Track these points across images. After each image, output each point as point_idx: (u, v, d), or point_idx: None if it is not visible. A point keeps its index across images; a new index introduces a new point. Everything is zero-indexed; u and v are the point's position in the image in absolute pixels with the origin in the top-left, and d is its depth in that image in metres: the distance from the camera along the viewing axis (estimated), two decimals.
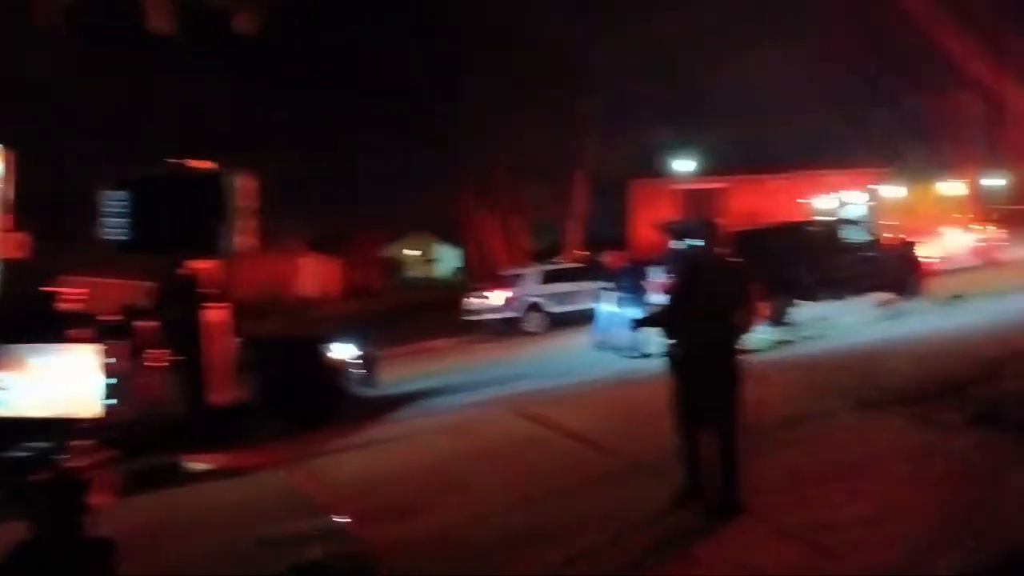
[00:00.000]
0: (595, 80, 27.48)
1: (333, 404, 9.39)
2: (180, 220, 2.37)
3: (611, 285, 12.53)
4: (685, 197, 31.88)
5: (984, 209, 24.73)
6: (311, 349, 9.73)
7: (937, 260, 17.12)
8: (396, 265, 52.44)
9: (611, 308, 12.29)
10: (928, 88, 29.37)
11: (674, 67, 28.46)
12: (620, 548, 4.47)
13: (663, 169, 31.33)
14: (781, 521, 4.48)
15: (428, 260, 58.21)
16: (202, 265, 2.41)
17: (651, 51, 26.99)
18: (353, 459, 7.35)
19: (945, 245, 18.99)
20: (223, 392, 2.46)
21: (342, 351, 9.65)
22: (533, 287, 18.60)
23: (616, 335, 11.88)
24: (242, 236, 2.44)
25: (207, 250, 2.41)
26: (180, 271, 2.37)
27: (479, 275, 28.56)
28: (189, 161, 2.44)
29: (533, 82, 27.05)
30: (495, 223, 30.51)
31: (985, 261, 19.71)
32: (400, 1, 26.31)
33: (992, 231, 20.45)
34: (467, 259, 38.12)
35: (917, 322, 10.90)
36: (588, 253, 26.50)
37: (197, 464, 7.71)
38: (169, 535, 5.72)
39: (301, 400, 9.00)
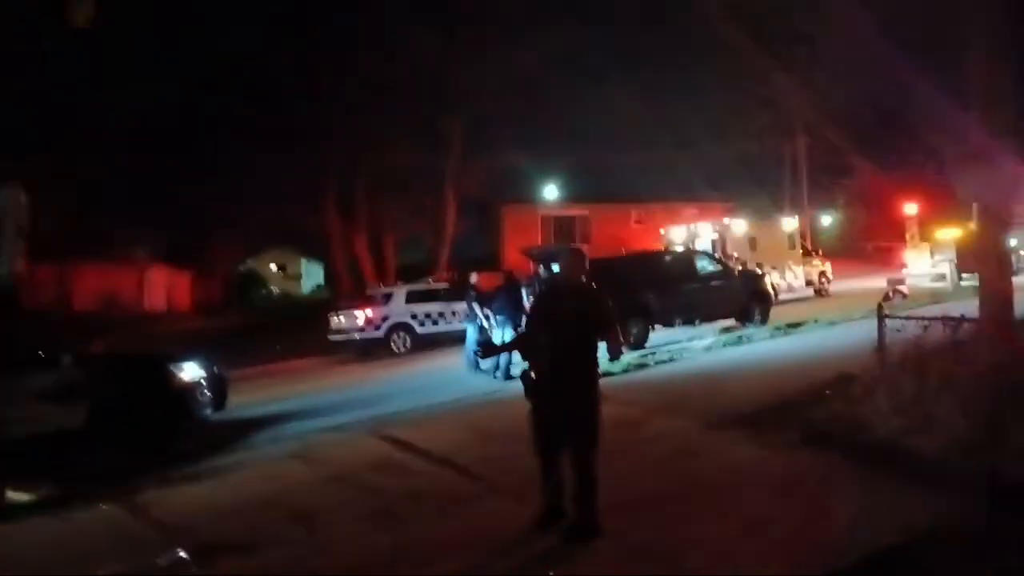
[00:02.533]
0: (460, 100, 27.76)
1: (175, 429, 8.70)
2: None
3: (478, 307, 12.54)
4: (552, 223, 32.75)
5: (816, 244, 27.09)
6: (152, 369, 8.98)
7: (777, 290, 18.50)
8: (255, 280, 50.10)
9: (482, 329, 12.32)
10: (765, 132, 31.98)
11: (541, 96, 29.36)
12: (480, 573, 4.39)
13: (532, 194, 32.06)
14: (635, 541, 4.58)
15: (291, 276, 56.11)
16: None
17: (518, 80, 27.68)
18: (193, 489, 6.82)
19: (784, 277, 20.57)
20: None
21: (188, 371, 8.98)
22: (400, 307, 18.33)
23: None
24: (15, 258, 2.07)
25: None
26: None
27: (345, 293, 27.86)
28: None
29: (397, 97, 26.95)
30: (361, 240, 29.91)
31: (817, 292, 21.55)
32: (260, 7, 25.53)
33: (823, 265, 22.39)
34: (332, 276, 37.10)
35: (760, 347, 11.67)
36: (456, 274, 26.53)
37: (17, 496, 6.97)
38: None
39: (139, 424, 8.26)
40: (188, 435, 8.81)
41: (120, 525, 5.93)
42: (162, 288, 34.35)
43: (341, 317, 18.62)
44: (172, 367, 8.91)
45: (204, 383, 9.18)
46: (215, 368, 9.75)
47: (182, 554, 5.00)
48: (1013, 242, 13.78)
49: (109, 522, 6.03)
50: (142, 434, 8.25)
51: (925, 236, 20.69)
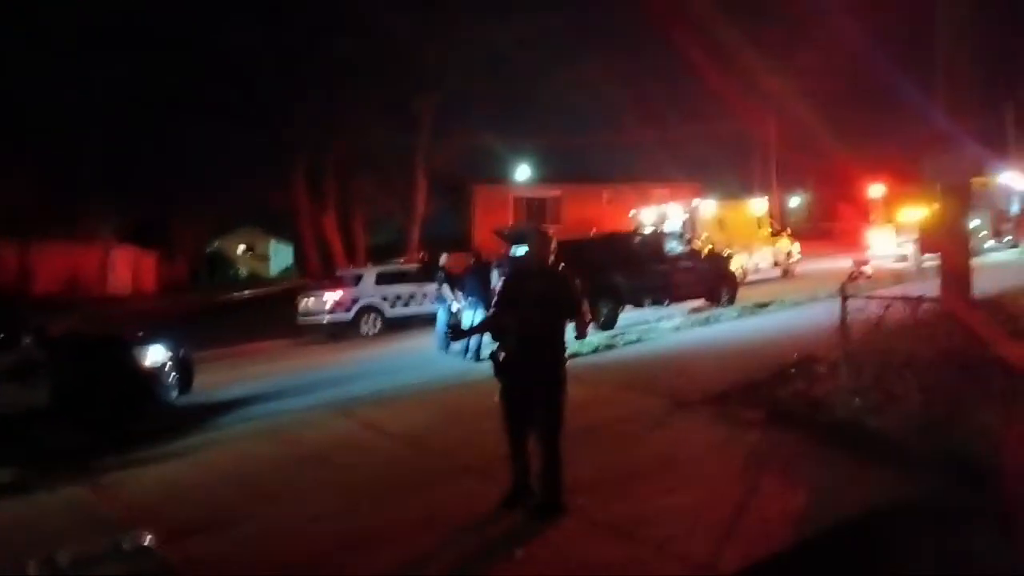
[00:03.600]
0: (432, 79, 27.51)
1: (140, 411, 8.59)
2: None
3: (449, 288, 12.52)
4: (523, 203, 32.73)
5: (783, 225, 27.40)
6: (115, 350, 8.84)
7: (744, 271, 18.71)
8: (222, 260, 49.41)
9: (453, 311, 12.31)
10: (734, 113, 32.17)
11: (513, 77, 29.22)
12: (447, 552, 4.43)
13: (504, 174, 31.98)
14: (601, 518, 4.64)
15: (258, 256, 55.42)
16: None
17: (490, 60, 27.53)
18: (157, 470, 6.76)
19: (751, 258, 20.78)
20: None
21: (153, 352, 8.84)
22: (369, 288, 18.20)
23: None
24: None
25: None
26: None
27: (314, 274, 27.63)
28: None
29: (367, 75, 26.62)
30: (330, 220, 29.60)
31: (784, 273, 21.82)
32: None
33: (790, 245, 22.65)
34: (301, 256, 36.75)
35: (727, 327, 11.81)
36: (427, 254, 26.39)
37: None
38: None
39: (103, 406, 8.15)
40: (153, 417, 8.70)
41: (84, 506, 5.86)
42: (127, 269, 33.73)
43: (310, 299, 18.44)
44: (136, 349, 8.77)
45: (169, 365, 9.06)
46: (181, 350, 9.62)
47: (147, 535, 4.94)
48: (973, 223, 14.09)
49: (73, 504, 5.96)
50: (106, 416, 8.15)
51: (890, 217, 21.01)
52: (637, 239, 16.47)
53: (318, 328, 18.03)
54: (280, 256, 54.99)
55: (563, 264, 5.12)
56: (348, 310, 17.75)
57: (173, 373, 9.10)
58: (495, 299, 5.34)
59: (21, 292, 24.88)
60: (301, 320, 18.38)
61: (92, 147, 28.33)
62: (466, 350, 11.53)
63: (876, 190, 20.89)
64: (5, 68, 22.59)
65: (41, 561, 4.61)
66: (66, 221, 28.58)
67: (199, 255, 44.28)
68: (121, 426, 8.26)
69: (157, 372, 8.82)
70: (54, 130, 25.92)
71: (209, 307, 27.64)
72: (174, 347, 9.38)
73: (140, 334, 9.53)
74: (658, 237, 16.54)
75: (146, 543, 4.86)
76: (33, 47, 23.33)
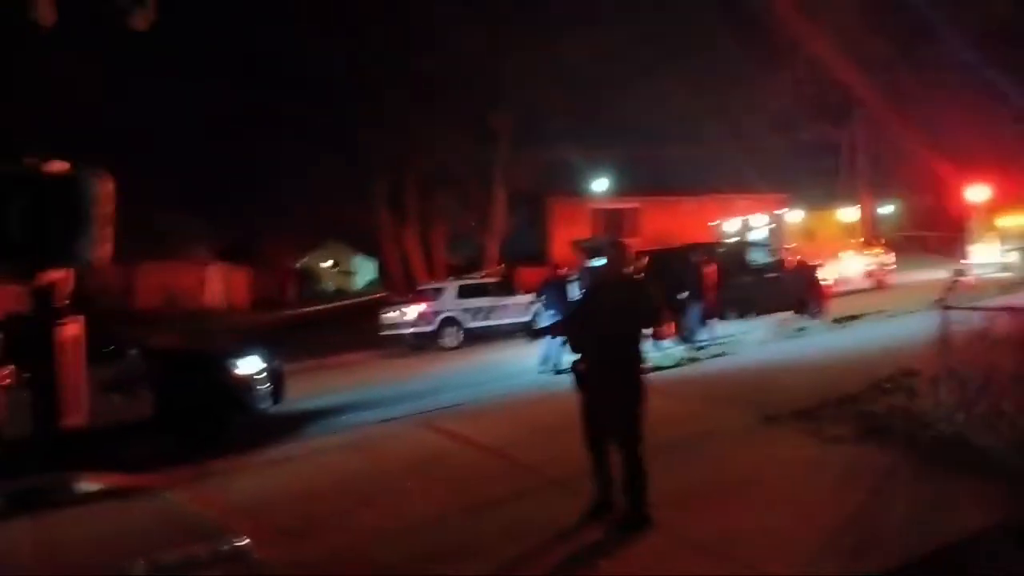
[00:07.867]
0: (510, 93, 27.76)
1: (235, 421, 8.99)
2: (30, 225, 2.08)
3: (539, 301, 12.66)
4: (601, 216, 32.55)
5: (876, 234, 26.31)
6: (212, 363, 9.28)
7: (834, 282, 18.06)
8: (310, 276, 51.15)
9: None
10: (822, 121, 31.10)
11: (590, 88, 29.21)
12: (531, 565, 4.43)
13: (581, 187, 31.90)
14: (687, 533, 4.56)
15: (344, 272, 57.10)
16: (56, 275, 2.16)
17: (567, 72, 27.55)
18: (252, 478, 7.03)
19: (841, 268, 20.04)
20: (74, 414, 2.24)
21: (246, 365, 9.24)
22: (450, 301, 18.51)
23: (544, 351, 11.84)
24: (102, 244, 2.20)
25: (61, 259, 2.13)
26: (32, 281, 2.12)
27: (397, 288, 28.24)
28: (44, 161, 2.19)
29: (447, 91, 27.10)
30: (412, 235, 30.23)
31: (877, 283, 20.93)
32: (313, 5, 25.89)
33: (883, 255, 21.72)
34: (384, 271, 37.64)
35: (816, 340, 11.41)
36: (506, 267, 26.59)
37: (85, 485, 7.24)
38: (44, 563, 5.31)
39: (201, 417, 8.58)
40: (248, 427, 9.07)
41: (182, 512, 6.13)
42: (220, 285, 35.35)
43: (394, 312, 18.90)
44: (233, 361, 9.18)
45: (263, 376, 9.43)
46: (274, 361, 10.00)
47: (245, 540, 5.16)
48: None
49: (172, 509, 6.24)
50: (204, 425, 8.55)
51: (992, 225, 19.89)
52: (721, 250, 16.16)
53: (402, 340, 18.44)
54: (364, 271, 56.51)
55: (644, 274, 5.09)
56: (431, 322, 18.09)
57: (266, 384, 9.46)
58: (572, 310, 5.36)
59: (125, 308, 26.43)
60: (386, 333, 18.84)
61: (186, 171, 29.94)
62: (544, 361, 11.57)
63: (977, 195, 19.81)
64: (98, 94, 23.86)
65: (146, 562, 4.88)
66: (164, 241, 30.31)
67: (291, 271, 46.01)
68: (218, 435, 8.64)
69: (251, 383, 9.20)
70: (145, 152, 27.40)
71: (299, 320, 28.67)
72: (267, 359, 9.76)
73: (237, 347, 9.98)
74: (741, 248, 16.18)
75: (244, 548, 5.09)
76: (120, 71, 24.59)
